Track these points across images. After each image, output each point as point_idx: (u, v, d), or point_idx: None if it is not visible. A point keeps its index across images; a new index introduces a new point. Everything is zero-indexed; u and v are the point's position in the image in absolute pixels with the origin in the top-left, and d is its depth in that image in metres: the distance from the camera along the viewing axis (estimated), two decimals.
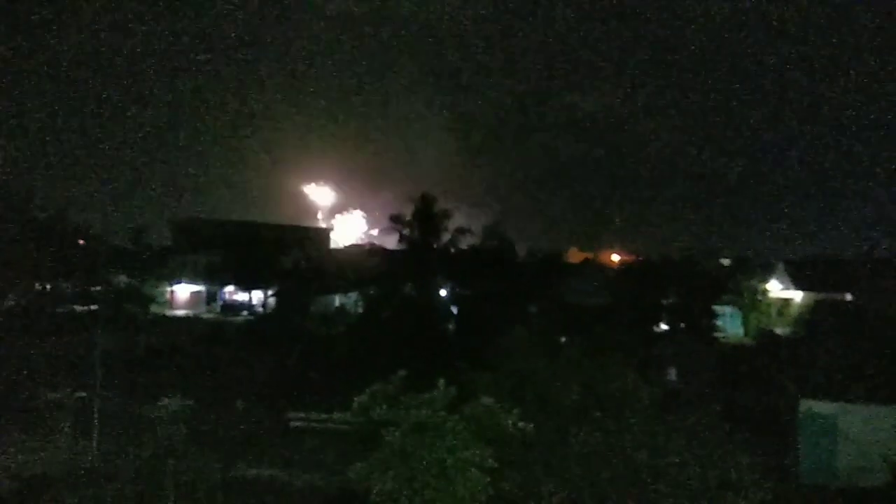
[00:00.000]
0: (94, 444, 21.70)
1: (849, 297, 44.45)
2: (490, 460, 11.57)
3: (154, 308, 57.06)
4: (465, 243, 46.19)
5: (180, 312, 59.95)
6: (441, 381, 12.27)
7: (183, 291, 64.31)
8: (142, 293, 54.82)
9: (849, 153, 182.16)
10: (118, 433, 22.01)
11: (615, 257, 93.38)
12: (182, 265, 64.18)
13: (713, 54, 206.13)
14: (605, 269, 73.01)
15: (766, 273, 58.50)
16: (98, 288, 44.52)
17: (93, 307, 39.58)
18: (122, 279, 55.91)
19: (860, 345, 22.72)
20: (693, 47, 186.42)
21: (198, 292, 64.55)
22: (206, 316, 58.53)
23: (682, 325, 43.62)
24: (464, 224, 46.84)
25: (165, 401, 19.36)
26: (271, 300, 56.69)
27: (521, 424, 11.98)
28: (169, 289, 63.66)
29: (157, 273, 61.68)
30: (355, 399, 12.36)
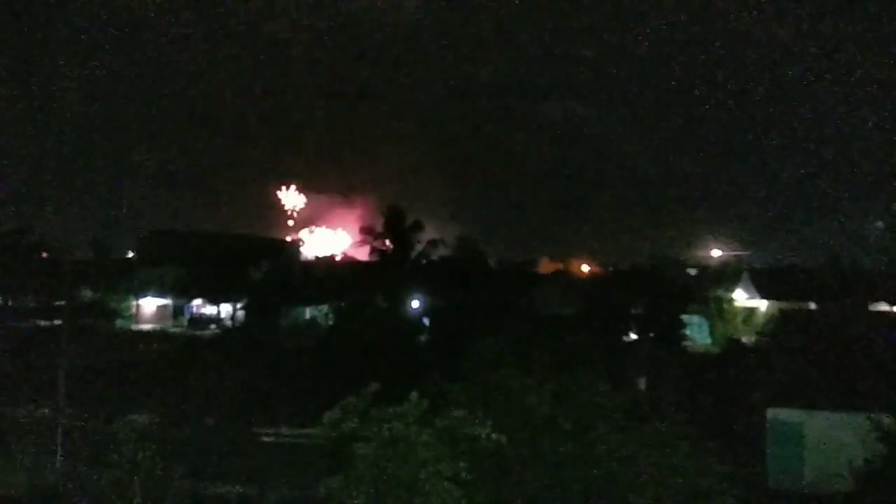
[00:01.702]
0: (58, 462, 21.16)
1: (812, 305, 45.41)
2: (463, 473, 11.53)
3: (119, 322, 56.07)
4: (436, 255, 46.30)
5: (146, 327, 58.91)
6: (413, 394, 12.22)
7: (149, 305, 63.24)
8: (107, 307, 53.85)
9: (814, 163, 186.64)
10: (82, 451, 21.48)
11: (585, 268, 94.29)
12: (148, 278, 63.15)
13: (680, 63, 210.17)
14: (576, 279, 73.69)
15: (732, 282, 59.60)
16: (61, 302, 43.56)
17: (56, 322, 38.70)
18: (87, 293, 54.84)
19: (824, 353, 23.21)
20: (660, 56, 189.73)
21: (164, 306, 63.52)
22: (173, 330, 57.58)
23: (651, 334, 44.17)
24: (435, 236, 47.04)
25: (131, 417, 18.98)
26: (240, 313, 56.08)
27: (493, 436, 11.96)
28: (135, 303, 62.58)
29: (122, 287, 60.67)
30: (326, 413, 12.23)
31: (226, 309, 60.32)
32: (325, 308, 55.39)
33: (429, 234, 46.60)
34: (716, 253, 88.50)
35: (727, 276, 62.13)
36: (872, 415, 17.68)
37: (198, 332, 54.67)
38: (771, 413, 21.79)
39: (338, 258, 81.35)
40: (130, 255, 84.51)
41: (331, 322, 44.68)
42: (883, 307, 47.66)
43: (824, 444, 20.33)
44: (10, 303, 49.10)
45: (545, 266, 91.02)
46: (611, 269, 77.15)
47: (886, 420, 16.94)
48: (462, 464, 11.58)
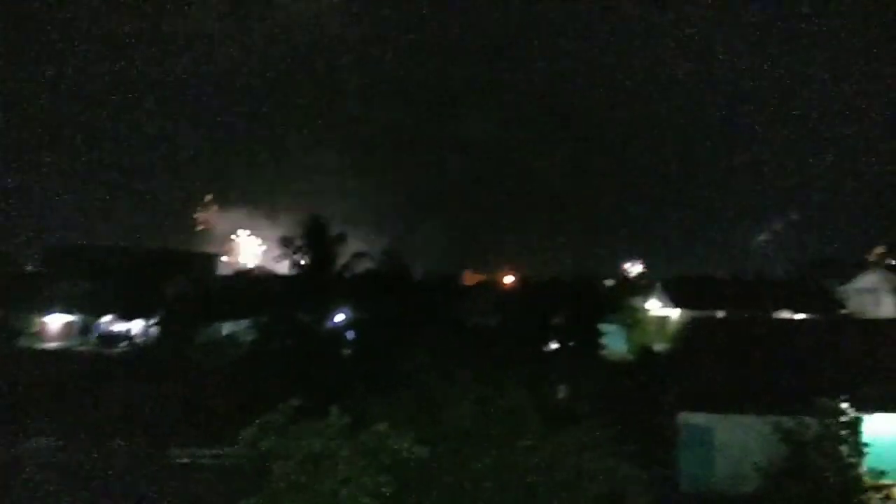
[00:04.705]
0: None
1: (720, 314, 47.49)
2: (385, 488, 11.42)
3: (22, 341, 53.09)
4: (360, 267, 45.83)
5: (52, 345, 55.79)
6: (333, 409, 12.05)
7: (55, 322, 59.95)
8: (9, 325, 51.03)
9: (720, 178, 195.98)
10: None
11: (508, 279, 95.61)
12: (55, 293, 59.94)
13: (598, 78, 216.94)
14: (499, 290, 74.60)
15: (646, 292, 61.74)
16: None
17: None
18: None
19: (731, 358, 24.31)
20: (577, 71, 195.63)
21: (71, 322, 60.38)
22: (80, 348, 54.76)
23: (571, 343, 45.16)
24: (359, 247, 46.62)
25: (34, 442, 17.93)
26: (153, 330, 53.90)
27: (415, 449, 11.92)
28: (40, 319, 59.24)
29: (26, 302, 57.51)
30: (242, 431, 11.88)
31: (138, 325, 57.85)
32: (244, 323, 53.90)
33: (353, 247, 46.12)
34: (633, 266, 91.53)
35: (642, 286, 64.40)
36: (776, 417, 18.63)
37: (107, 351, 52.24)
38: (683, 417, 22.60)
39: (258, 272, 79.42)
40: (35, 269, 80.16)
41: (250, 338, 43.50)
42: (786, 314, 50.38)
43: (733, 447, 21.21)
44: None
45: (469, 278, 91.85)
46: (533, 280, 78.45)
47: (788, 423, 17.88)
48: (384, 478, 11.48)
